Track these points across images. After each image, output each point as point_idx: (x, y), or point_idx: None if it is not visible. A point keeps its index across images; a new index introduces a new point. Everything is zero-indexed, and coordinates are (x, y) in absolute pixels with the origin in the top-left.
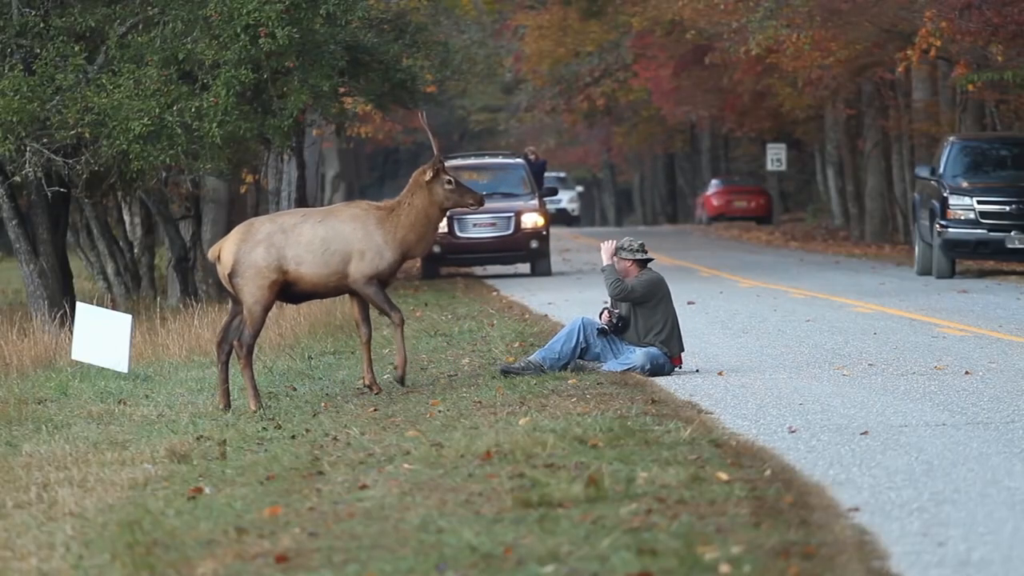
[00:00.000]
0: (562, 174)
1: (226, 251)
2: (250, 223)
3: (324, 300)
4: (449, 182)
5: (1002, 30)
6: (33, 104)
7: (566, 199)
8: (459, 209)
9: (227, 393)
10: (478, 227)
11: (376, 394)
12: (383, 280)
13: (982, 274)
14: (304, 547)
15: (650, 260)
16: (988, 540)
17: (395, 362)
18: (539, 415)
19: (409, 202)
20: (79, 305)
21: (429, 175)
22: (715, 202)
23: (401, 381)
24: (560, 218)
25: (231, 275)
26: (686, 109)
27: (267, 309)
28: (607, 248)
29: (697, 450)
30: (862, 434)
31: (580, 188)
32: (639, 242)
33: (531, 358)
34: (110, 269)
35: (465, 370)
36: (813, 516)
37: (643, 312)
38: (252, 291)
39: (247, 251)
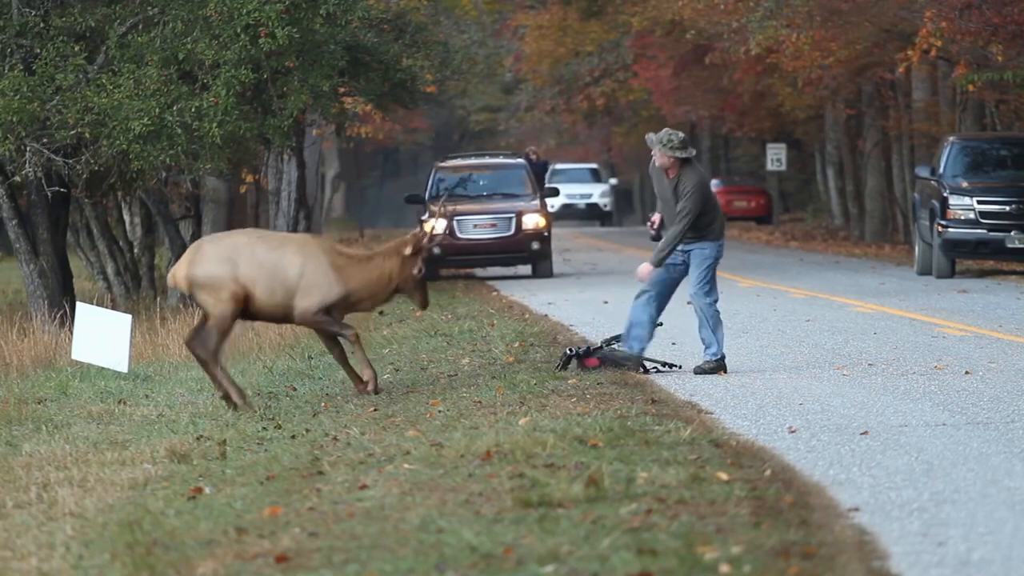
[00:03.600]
0: (594, 165)
1: (179, 274)
2: (199, 244)
3: None
4: (420, 270)
5: (1002, 30)
6: (33, 104)
7: (597, 193)
8: (459, 209)
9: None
10: (479, 228)
11: (376, 393)
12: (330, 311)
13: (982, 274)
14: (304, 547)
15: (691, 156)
16: (988, 540)
17: (365, 377)
18: (539, 415)
19: (380, 263)
20: (79, 305)
21: (410, 250)
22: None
23: (375, 391)
24: (591, 214)
25: (192, 294)
26: (686, 109)
27: (234, 317)
28: (644, 270)
29: (697, 450)
30: (862, 434)
31: (614, 181)
32: (680, 136)
33: (627, 351)
34: (110, 269)
35: (465, 370)
36: (813, 516)
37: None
38: (214, 303)
39: (201, 267)
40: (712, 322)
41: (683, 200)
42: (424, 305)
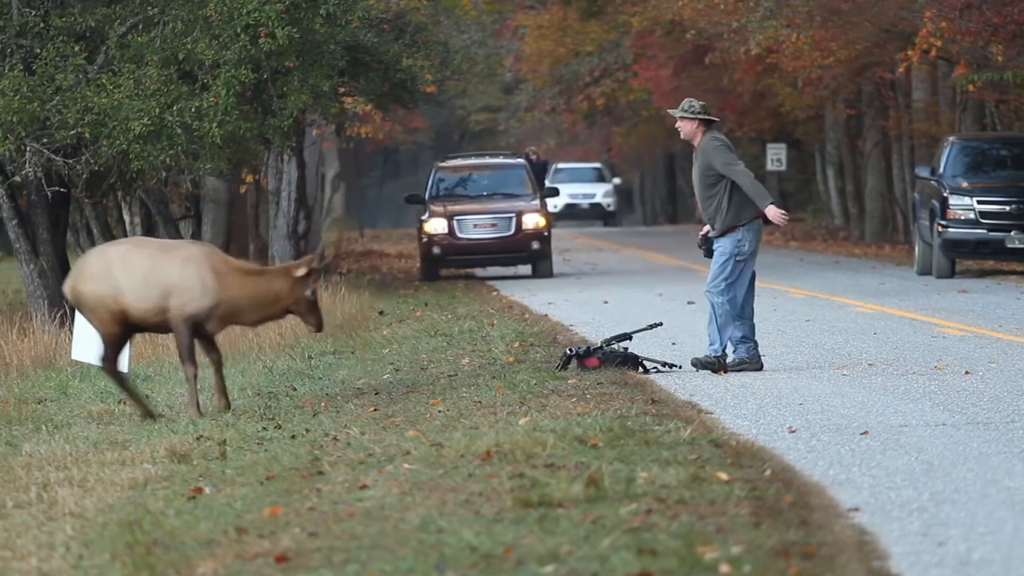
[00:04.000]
0: (597, 165)
1: (68, 288)
2: (85, 256)
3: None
4: (313, 292)
5: (1002, 30)
6: (33, 104)
7: (600, 193)
8: (459, 208)
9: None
10: (479, 228)
11: (200, 416)
12: (201, 322)
13: (982, 274)
14: (304, 547)
15: (714, 121)
16: (988, 540)
17: (190, 403)
18: (539, 415)
19: (265, 279)
20: None
21: (302, 272)
22: None
23: (194, 415)
24: (595, 214)
25: (79, 309)
26: None
27: (114, 336)
28: (778, 214)
29: (697, 450)
30: (862, 434)
31: (618, 180)
32: (700, 103)
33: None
34: None
35: (465, 370)
36: (813, 516)
37: (705, 188)
38: (96, 321)
39: (83, 285)
40: (722, 320)
41: (719, 167)
42: (319, 327)
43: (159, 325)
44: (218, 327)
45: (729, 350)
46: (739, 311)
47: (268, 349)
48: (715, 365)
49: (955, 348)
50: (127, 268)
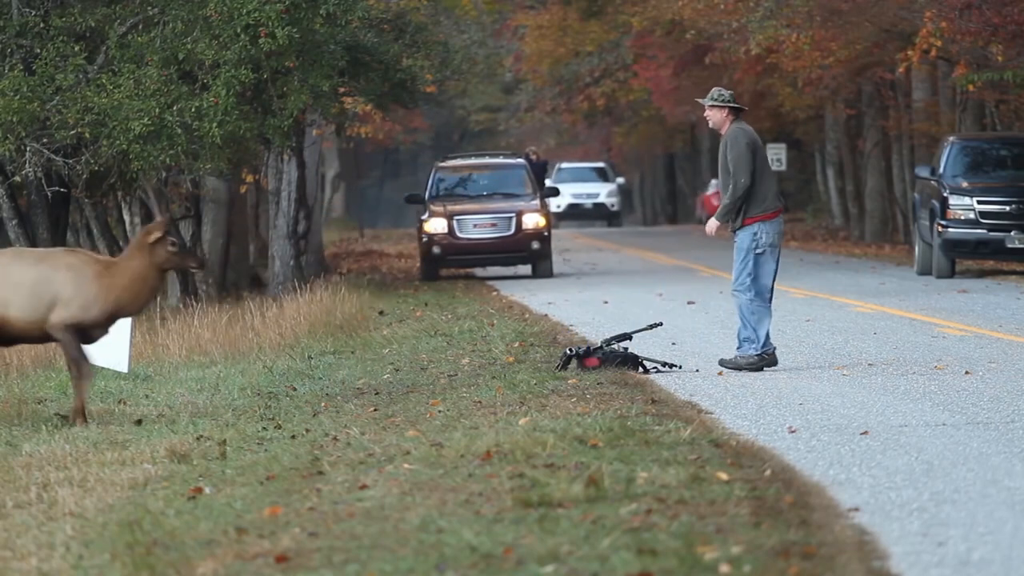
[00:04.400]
0: (601, 164)
1: None
2: None
3: (324, 300)
4: (173, 244)
5: (1002, 30)
6: (33, 104)
7: (604, 193)
8: (459, 208)
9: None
10: (479, 228)
11: (77, 423)
12: (86, 331)
13: (982, 274)
14: (304, 547)
15: (742, 109)
16: (988, 540)
17: (74, 405)
18: (539, 415)
19: (127, 264)
20: None
21: (155, 236)
22: (715, 202)
23: (74, 422)
24: (598, 214)
25: None
26: (686, 109)
27: None
28: (712, 226)
29: (697, 450)
30: (862, 434)
31: (621, 180)
32: (729, 91)
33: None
34: None
35: (465, 370)
36: (813, 516)
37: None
38: None
39: None
40: (754, 317)
41: (730, 159)
42: (200, 265)
43: (40, 338)
44: (107, 326)
45: (733, 346)
46: (766, 302)
47: (268, 349)
48: (758, 363)
49: (955, 348)
50: (10, 281)
